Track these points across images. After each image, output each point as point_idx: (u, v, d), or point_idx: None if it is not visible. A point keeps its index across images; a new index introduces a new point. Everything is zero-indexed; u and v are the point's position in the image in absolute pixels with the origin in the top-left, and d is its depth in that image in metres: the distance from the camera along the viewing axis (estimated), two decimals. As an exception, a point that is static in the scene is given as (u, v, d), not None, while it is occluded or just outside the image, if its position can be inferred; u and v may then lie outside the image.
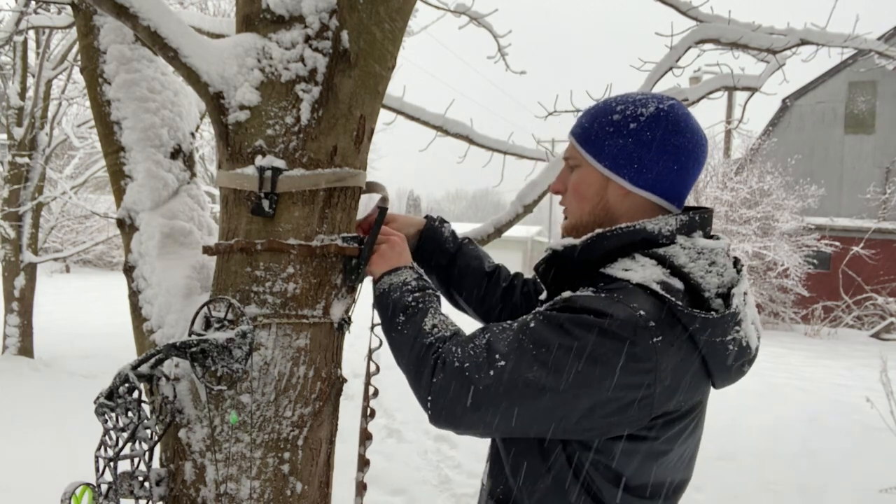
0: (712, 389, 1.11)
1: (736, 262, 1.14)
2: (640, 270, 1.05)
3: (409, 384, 1.12)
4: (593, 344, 0.97)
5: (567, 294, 1.08)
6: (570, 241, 1.14)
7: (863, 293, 14.99)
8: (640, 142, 1.11)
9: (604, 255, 1.10)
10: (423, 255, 1.50)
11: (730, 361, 1.05)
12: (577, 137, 1.19)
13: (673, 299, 0.99)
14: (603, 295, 1.03)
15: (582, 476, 1.07)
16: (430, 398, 1.06)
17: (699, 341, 1.01)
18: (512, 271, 1.56)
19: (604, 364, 0.97)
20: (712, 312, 1.02)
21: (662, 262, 1.06)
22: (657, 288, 1.01)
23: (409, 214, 1.51)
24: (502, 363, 1.01)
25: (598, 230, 1.12)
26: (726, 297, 1.07)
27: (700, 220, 1.12)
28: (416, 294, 1.20)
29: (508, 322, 1.09)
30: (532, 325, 1.04)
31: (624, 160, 1.12)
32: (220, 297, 1.25)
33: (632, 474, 1.06)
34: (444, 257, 1.50)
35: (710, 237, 1.14)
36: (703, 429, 1.17)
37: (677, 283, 1.04)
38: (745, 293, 1.09)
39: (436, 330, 1.13)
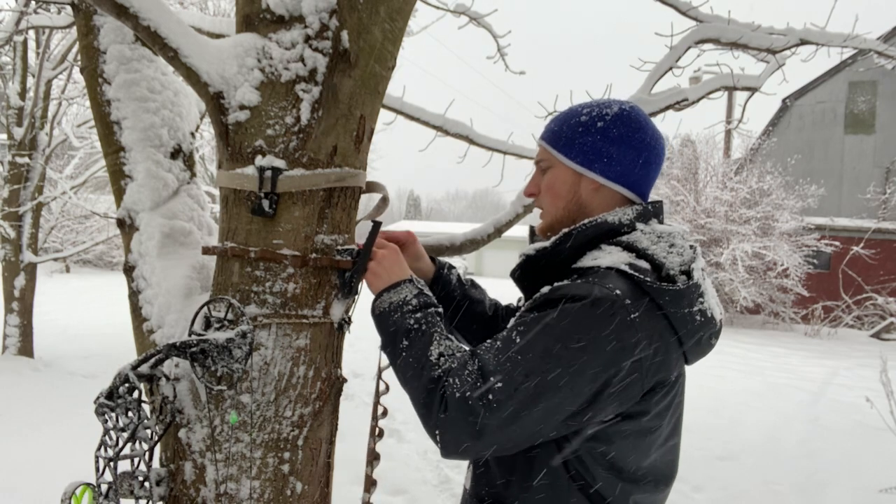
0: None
1: (691, 245, 1.21)
2: (608, 257, 1.13)
3: (416, 414, 1.12)
4: (578, 328, 1.02)
5: (546, 289, 1.13)
6: (540, 244, 1.22)
7: (863, 293, 14.98)
8: (607, 138, 1.20)
9: (574, 251, 1.18)
10: None
11: (699, 332, 1.13)
12: (547, 140, 1.27)
13: (641, 276, 1.08)
14: (579, 281, 1.10)
15: (576, 466, 1.09)
16: (437, 432, 1.06)
17: (669, 314, 1.09)
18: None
19: (593, 345, 1.02)
20: (678, 285, 1.10)
21: (627, 247, 1.14)
22: (626, 269, 1.09)
23: (410, 239, 1.47)
24: (499, 384, 1.02)
25: (565, 230, 1.19)
26: (688, 273, 1.16)
27: (653, 209, 1.22)
28: (418, 315, 1.18)
29: (490, 341, 1.11)
30: (517, 338, 1.06)
31: (594, 155, 1.21)
32: (220, 297, 1.25)
33: (624, 457, 1.10)
34: (451, 304, 1.51)
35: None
36: (682, 411, 1.23)
37: (644, 264, 1.12)
38: (703, 269, 1.19)
39: (442, 360, 1.11)
